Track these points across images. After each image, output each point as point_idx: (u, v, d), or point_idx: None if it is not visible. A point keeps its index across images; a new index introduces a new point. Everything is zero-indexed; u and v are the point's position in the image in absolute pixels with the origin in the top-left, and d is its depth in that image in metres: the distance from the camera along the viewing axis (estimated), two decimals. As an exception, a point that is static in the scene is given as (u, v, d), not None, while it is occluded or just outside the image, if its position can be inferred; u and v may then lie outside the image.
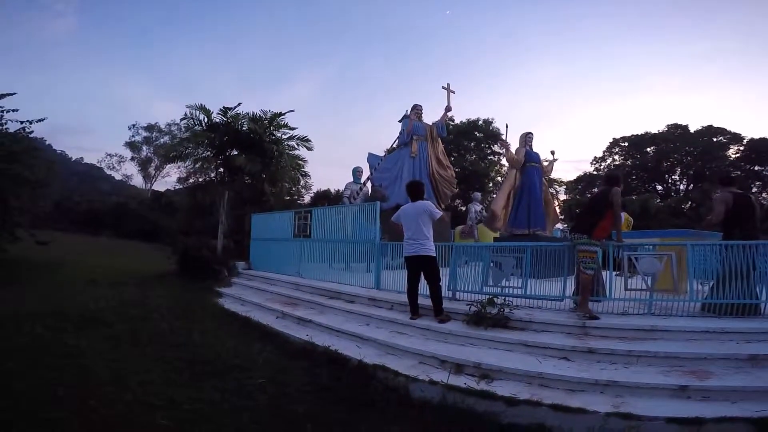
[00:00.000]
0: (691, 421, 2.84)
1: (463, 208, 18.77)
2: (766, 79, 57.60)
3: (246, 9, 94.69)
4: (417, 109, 10.73)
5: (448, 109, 10.80)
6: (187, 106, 12.79)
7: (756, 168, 34.13)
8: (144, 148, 46.34)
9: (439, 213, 5.13)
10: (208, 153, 13.00)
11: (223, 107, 12.59)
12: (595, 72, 75.11)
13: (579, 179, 37.53)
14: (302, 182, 16.91)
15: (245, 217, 11.67)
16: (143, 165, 46.72)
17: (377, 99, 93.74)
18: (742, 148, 34.48)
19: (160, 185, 45.58)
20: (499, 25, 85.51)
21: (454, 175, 11.40)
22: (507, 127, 9.64)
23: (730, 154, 35.00)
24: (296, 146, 13.97)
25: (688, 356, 3.58)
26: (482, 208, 12.78)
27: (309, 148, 14.06)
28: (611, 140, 39.63)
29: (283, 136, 13.59)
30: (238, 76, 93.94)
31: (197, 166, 13.14)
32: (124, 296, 7.45)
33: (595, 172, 38.41)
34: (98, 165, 52.87)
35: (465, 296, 5.29)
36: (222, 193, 12.24)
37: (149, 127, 46.14)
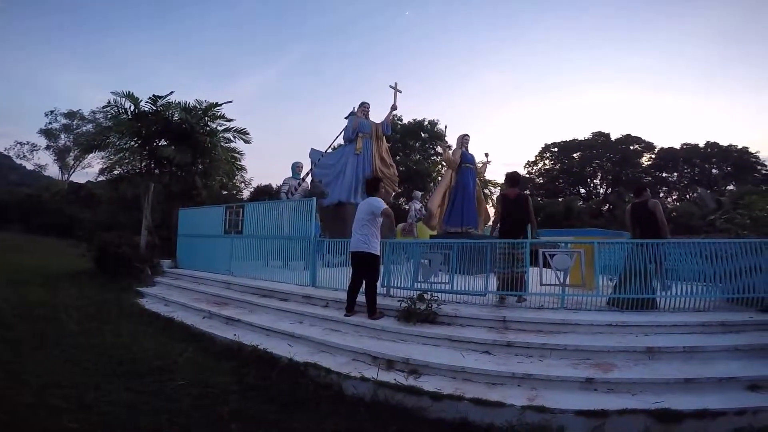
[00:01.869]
0: (597, 414, 3.04)
1: (406, 207, 19.07)
2: (683, 93, 64.77)
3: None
4: (364, 107, 10.73)
5: (393, 107, 10.90)
6: (113, 93, 11.77)
7: (664, 174, 38.18)
8: (62, 136, 41.85)
9: (381, 207, 4.99)
10: (133, 143, 12.09)
11: (153, 95, 11.78)
12: (533, 79, 79.43)
13: (513, 181, 39.58)
14: (238, 176, 16.25)
15: (173, 212, 10.98)
16: (60, 154, 42.19)
17: (326, 95, 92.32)
18: (653, 156, 38.38)
19: (80, 176, 41.30)
20: (449, 29, 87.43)
21: (397, 173, 11.55)
22: (446, 127, 9.93)
23: (644, 161, 38.86)
24: (233, 139, 13.53)
25: (594, 349, 3.86)
26: (422, 207, 13.07)
27: (247, 141, 13.71)
28: (543, 145, 42.48)
29: (219, 128, 13.02)
30: (183, 66, 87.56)
31: (119, 156, 12.18)
32: (29, 296, 6.74)
33: (527, 175, 40.88)
34: (6, 153, 47.05)
35: (398, 292, 5.36)
36: (147, 185, 11.43)
37: (70, 114, 41.74)
